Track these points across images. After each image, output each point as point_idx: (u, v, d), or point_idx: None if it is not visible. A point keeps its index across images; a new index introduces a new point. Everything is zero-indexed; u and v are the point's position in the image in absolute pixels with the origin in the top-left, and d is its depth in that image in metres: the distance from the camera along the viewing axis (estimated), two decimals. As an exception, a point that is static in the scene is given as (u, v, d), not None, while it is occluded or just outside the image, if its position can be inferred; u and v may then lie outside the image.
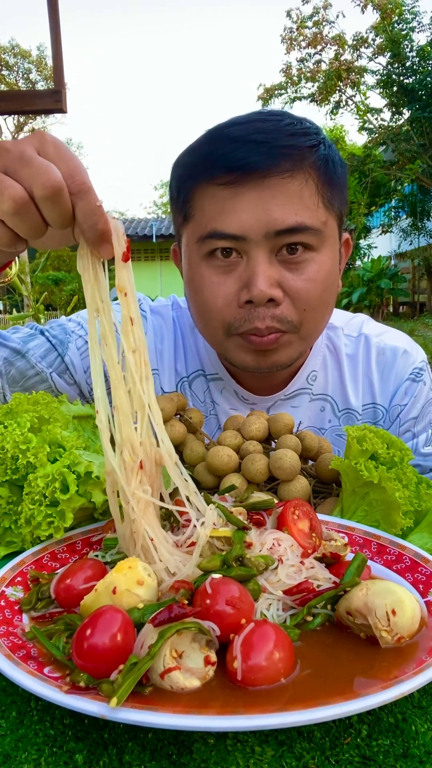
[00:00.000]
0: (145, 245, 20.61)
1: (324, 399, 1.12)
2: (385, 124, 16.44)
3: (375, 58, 16.59)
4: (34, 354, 1.05)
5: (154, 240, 19.90)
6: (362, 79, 16.89)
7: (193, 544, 0.61)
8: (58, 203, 0.56)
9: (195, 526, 0.61)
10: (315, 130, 0.92)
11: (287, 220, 0.87)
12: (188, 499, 0.64)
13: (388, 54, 15.97)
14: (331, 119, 17.68)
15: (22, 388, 1.04)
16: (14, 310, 5.25)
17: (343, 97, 17.29)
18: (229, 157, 0.88)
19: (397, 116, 16.51)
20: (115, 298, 0.67)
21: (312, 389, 1.11)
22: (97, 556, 0.66)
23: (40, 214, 0.58)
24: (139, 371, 0.60)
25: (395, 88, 16.00)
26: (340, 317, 1.17)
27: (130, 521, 0.61)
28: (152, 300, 1.24)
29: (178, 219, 1.00)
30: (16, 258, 0.74)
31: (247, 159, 0.86)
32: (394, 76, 15.99)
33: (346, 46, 16.84)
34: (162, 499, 0.63)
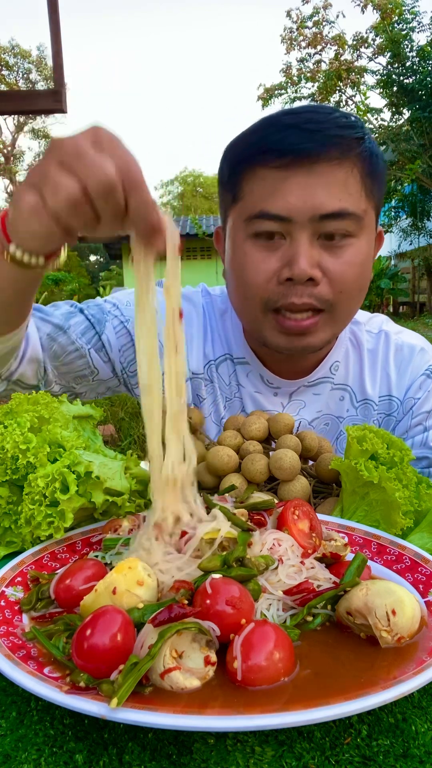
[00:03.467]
0: (145, 245, 20.57)
1: (344, 389, 1.17)
2: (385, 124, 16.44)
3: (375, 58, 16.59)
4: (75, 330, 1.08)
5: (154, 240, 19.87)
6: (362, 79, 16.89)
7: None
8: (111, 198, 0.57)
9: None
10: (360, 124, 0.97)
11: (332, 204, 0.92)
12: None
13: (388, 54, 15.95)
14: (331, 119, 17.69)
15: (62, 362, 1.07)
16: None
17: (343, 97, 17.28)
18: (282, 142, 0.93)
19: (397, 116, 16.50)
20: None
21: (333, 379, 1.16)
22: (97, 556, 0.66)
23: (93, 208, 0.59)
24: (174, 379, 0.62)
25: (395, 88, 16.00)
26: (361, 315, 1.22)
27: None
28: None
29: (227, 200, 1.04)
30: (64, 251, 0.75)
31: (300, 145, 0.91)
32: (394, 76, 15.98)
33: (346, 46, 16.83)
34: None
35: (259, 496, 0.76)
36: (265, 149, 0.94)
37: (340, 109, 1.00)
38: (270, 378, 1.15)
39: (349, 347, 1.17)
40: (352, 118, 0.97)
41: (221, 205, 1.08)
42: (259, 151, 0.95)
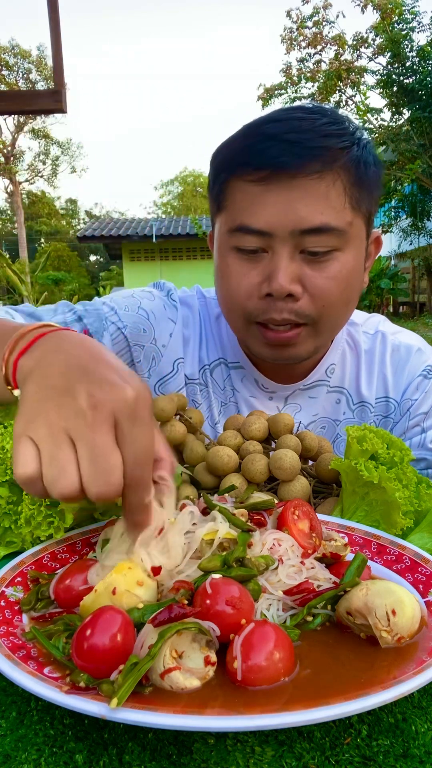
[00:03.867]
0: (145, 245, 20.60)
1: (340, 391, 1.16)
2: (385, 124, 16.43)
3: (375, 58, 16.58)
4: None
5: (154, 240, 19.89)
6: (362, 79, 16.88)
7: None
8: (106, 499, 0.53)
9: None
10: (351, 130, 0.93)
11: (313, 219, 0.90)
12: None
13: (388, 54, 15.94)
14: (331, 119, 17.68)
15: None
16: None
17: (343, 97, 17.28)
18: (261, 155, 0.90)
19: (397, 116, 16.49)
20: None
21: (329, 381, 1.15)
22: (96, 556, 0.66)
23: (85, 495, 0.54)
24: None
25: (395, 88, 15.99)
26: (358, 316, 1.21)
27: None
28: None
29: (213, 207, 1.04)
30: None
31: (279, 158, 0.88)
32: (394, 76, 15.97)
33: (346, 46, 16.82)
34: None
35: (259, 496, 0.76)
36: (245, 161, 0.92)
37: (335, 111, 0.96)
38: (265, 382, 1.14)
39: (346, 349, 1.17)
40: (344, 124, 0.93)
41: (210, 209, 1.07)
42: (239, 164, 0.93)
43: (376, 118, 16.48)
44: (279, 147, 0.88)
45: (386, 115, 16.81)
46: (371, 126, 16.42)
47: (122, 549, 0.59)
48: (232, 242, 0.96)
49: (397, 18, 15.59)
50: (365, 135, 0.97)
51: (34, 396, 0.54)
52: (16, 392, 0.62)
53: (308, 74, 17.40)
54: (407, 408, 1.13)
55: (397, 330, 1.20)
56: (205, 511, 0.69)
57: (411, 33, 15.67)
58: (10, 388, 0.62)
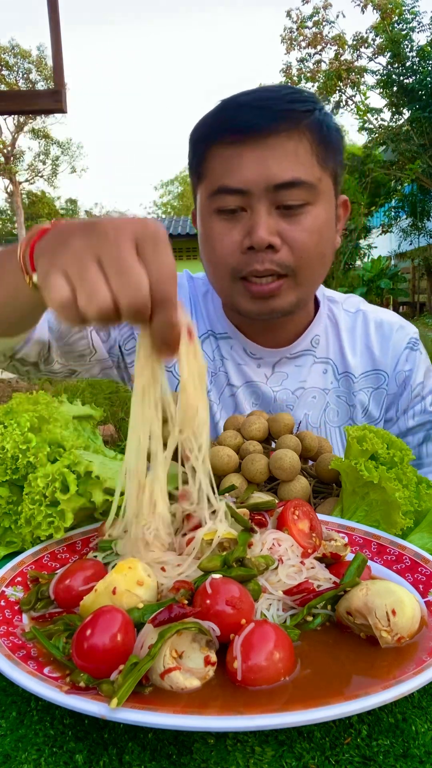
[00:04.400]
0: (145, 245, 20.54)
1: (326, 362, 1.22)
2: (385, 124, 16.42)
3: (375, 58, 16.57)
4: None
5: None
6: (362, 79, 16.87)
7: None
8: (138, 315, 0.56)
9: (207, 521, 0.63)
10: (312, 98, 1.05)
11: (285, 174, 0.99)
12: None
13: (388, 54, 15.93)
14: (331, 119, 17.68)
15: (66, 342, 1.12)
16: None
17: (343, 97, 17.26)
18: (234, 120, 1.01)
19: (397, 116, 16.48)
20: None
21: (315, 352, 1.22)
22: (96, 556, 0.66)
23: (119, 316, 0.57)
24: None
25: (395, 88, 15.97)
26: (338, 295, 1.29)
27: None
28: None
29: (194, 180, 1.13)
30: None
31: (250, 121, 0.99)
32: (394, 76, 15.96)
33: (346, 46, 16.81)
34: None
35: (259, 496, 0.76)
36: (222, 128, 1.02)
37: (293, 86, 1.09)
38: (252, 349, 1.19)
39: (328, 324, 1.23)
40: (305, 94, 1.05)
41: (192, 188, 1.15)
42: (216, 131, 1.03)
43: (376, 118, 16.47)
44: (250, 112, 0.99)
45: (386, 115, 16.80)
46: (371, 126, 16.41)
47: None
48: (213, 206, 1.04)
49: (397, 18, 15.59)
50: (325, 106, 1.07)
51: (53, 240, 0.61)
52: (35, 277, 0.65)
53: (308, 74, 17.38)
54: (403, 379, 1.20)
55: (376, 308, 1.28)
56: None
57: (411, 33, 15.66)
58: (28, 277, 0.66)
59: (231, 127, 1.00)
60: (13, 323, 0.87)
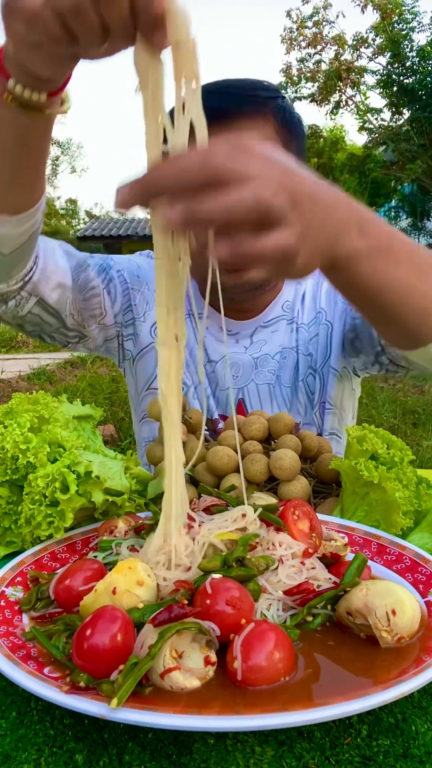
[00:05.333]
0: (146, 245, 20.42)
1: (294, 321, 1.26)
2: (385, 124, 16.42)
3: (375, 58, 16.56)
4: (93, 269, 1.19)
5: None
6: (362, 79, 16.87)
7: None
8: (117, 3, 0.52)
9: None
10: (274, 88, 1.11)
11: None
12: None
13: (388, 54, 15.93)
14: (331, 119, 17.69)
15: (84, 297, 1.15)
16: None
17: (343, 97, 17.26)
18: (204, 105, 1.00)
19: (397, 116, 16.48)
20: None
21: (287, 315, 1.26)
22: (96, 556, 0.66)
23: (98, 14, 0.54)
24: None
25: (395, 88, 15.97)
26: None
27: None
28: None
29: None
30: (69, 96, 0.72)
31: (218, 106, 1.01)
32: (394, 76, 15.96)
33: (346, 46, 16.81)
34: None
35: (260, 496, 0.76)
36: None
37: (257, 78, 1.14)
38: (230, 326, 1.23)
39: (297, 288, 1.28)
40: (266, 84, 1.10)
41: None
42: None
43: (376, 118, 16.47)
44: (217, 96, 1.03)
45: (386, 115, 16.78)
46: (371, 126, 16.41)
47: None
48: None
49: (397, 18, 15.58)
50: (285, 96, 1.13)
51: None
52: (11, 82, 0.64)
53: (308, 74, 17.37)
54: (343, 309, 1.22)
55: None
56: (208, 510, 0.69)
57: (411, 33, 15.66)
58: (6, 87, 0.64)
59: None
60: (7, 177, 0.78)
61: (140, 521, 0.72)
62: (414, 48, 15.69)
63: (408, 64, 15.77)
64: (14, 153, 0.75)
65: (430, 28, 15.73)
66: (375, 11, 15.73)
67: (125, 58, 0.59)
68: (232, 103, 1.04)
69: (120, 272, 1.23)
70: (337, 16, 17.19)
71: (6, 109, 0.67)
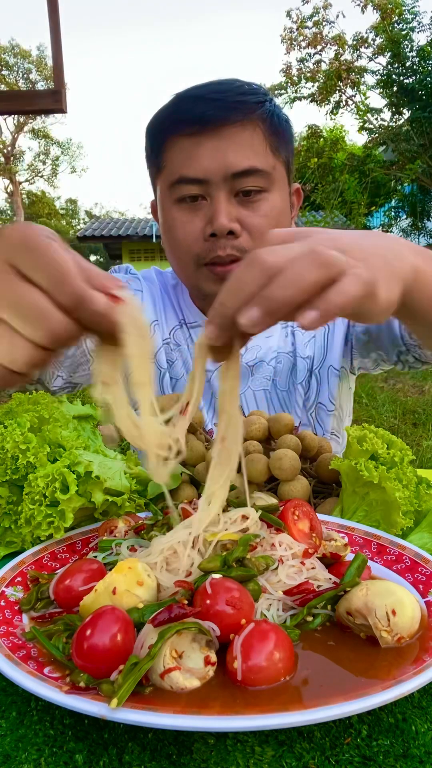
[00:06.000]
0: (145, 245, 20.58)
1: (288, 325, 1.26)
2: (385, 124, 16.40)
3: (375, 58, 16.53)
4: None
5: (153, 240, 19.88)
6: (362, 79, 16.84)
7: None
8: (67, 336, 0.49)
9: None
10: (263, 92, 1.11)
11: (241, 163, 1.04)
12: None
13: (388, 54, 15.90)
14: (331, 119, 17.64)
15: (64, 356, 1.12)
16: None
17: (343, 97, 17.23)
18: (192, 112, 1.05)
19: (397, 116, 16.46)
20: None
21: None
22: (96, 556, 0.66)
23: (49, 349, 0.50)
24: None
25: (395, 88, 15.95)
26: None
27: None
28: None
29: (153, 171, 1.16)
30: None
31: (206, 113, 1.04)
32: (394, 76, 15.93)
33: (346, 46, 16.79)
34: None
35: (260, 496, 0.76)
36: (178, 120, 1.07)
37: (243, 80, 1.13)
38: None
39: None
40: (254, 87, 1.10)
41: (150, 179, 1.19)
42: (173, 122, 1.08)
43: (376, 118, 16.46)
44: (205, 104, 1.04)
45: (386, 115, 16.76)
46: (371, 126, 16.40)
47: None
48: (173, 196, 1.09)
49: (397, 18, 15.57)
50: (273, 98, 1.13)
51: None
52: None
53: (308, 74, 17.36)
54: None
55: None
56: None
57: (411, 33, 15.64)
58: None
59: (188, 118, 1.05)
60: None
61: (140, 521, 0.72)
62: (414, 48, 15.68)
63: (408, 64, 15.76)
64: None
65: (430, 28, 15.72)
66: (375, 11, 15.71)
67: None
68: (220, 110, 1.04)
69: None
70: (337, 16, 17.13)
71: None
